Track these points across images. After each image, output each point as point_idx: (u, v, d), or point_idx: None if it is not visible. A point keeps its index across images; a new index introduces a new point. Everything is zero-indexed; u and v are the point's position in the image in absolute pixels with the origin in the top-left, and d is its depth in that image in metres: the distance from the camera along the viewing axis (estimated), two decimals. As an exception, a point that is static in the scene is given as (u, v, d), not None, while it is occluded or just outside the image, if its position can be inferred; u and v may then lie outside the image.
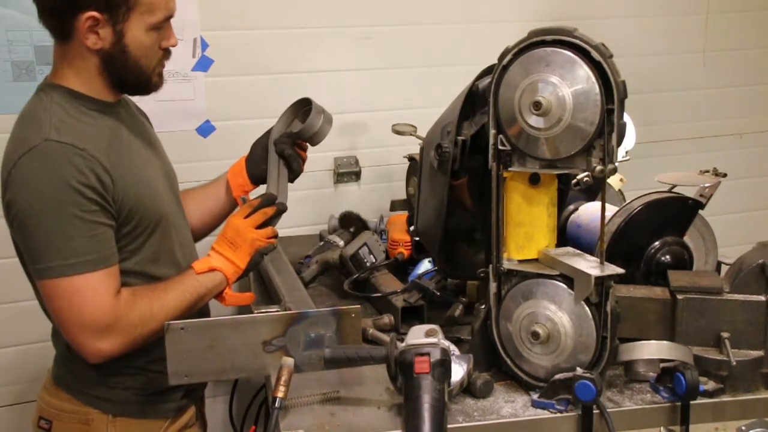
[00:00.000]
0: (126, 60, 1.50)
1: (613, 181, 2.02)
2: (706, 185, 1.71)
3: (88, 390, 1.56)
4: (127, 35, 1.49)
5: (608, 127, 1.31)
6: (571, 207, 1.80)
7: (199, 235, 1.87)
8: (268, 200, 1.67)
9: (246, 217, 1.63)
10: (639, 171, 2.10)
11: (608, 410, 1.34)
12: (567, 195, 1.54)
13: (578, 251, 1.44)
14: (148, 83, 1.57)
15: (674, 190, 1.71)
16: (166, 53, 1.58)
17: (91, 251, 1.42)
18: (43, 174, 1.41)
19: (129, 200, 1.49)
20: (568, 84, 1.31)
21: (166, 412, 1.63)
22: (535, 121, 1.34)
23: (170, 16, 1.54)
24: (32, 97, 1.54)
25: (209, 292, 1.58)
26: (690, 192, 1.70)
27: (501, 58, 1.37)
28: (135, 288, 1.50)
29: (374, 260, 1.95)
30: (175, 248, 1.63)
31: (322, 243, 2.15)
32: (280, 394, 1.33)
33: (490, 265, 1.45)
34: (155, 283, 1.54)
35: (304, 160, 1.81)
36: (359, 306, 1.45)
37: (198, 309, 1.57)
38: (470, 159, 1.53)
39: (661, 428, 1.38)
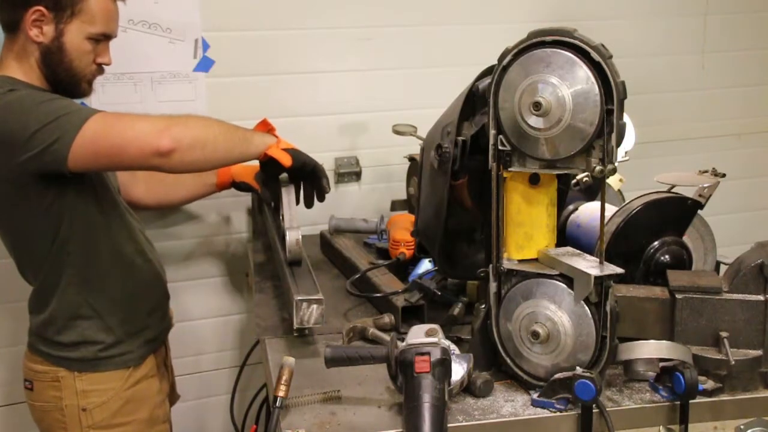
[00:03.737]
0: (61, 57, 1.71)
1: (613, 181, 2.03)
2: (705, 185, 1.71)
3: (54, 352, 1.77)
4: (66, 35, 1.71)
5: (608, 128, 1.31)
6: (571, 207, 1.81)
7: (164, 204, 2.27)
8: None
9: None
10: (638, 171, 2.11)
11: (608, 409, 1.34)
12: (567, 195, 1.54)
13: (578, 251, 1.45)
14: (78, 85, 1.77)
15: (673, 190, 1.71)
16: (100, 68, 1.80)
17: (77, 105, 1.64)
18: (14, 100, 1.60)
19: None
20: (567, 84, 1.32)
21: (126, 363, 1.82)
22: (534, 121, 1.34)
23: (109, 36, 1.78)
24: None
25: (258, 138, 1.80)
26: (689, 192, 1.70)
27: (501, 58, 1.38)
28: None
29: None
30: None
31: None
32: (281, 394, 1.34)
33: (490, 265, 1.45)
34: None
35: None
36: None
37: (243, 150, 1.76)
38: (470, 159, 1.54)
39: (660, 427, 1.39)
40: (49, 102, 1.61)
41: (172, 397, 2.09)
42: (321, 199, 1.89)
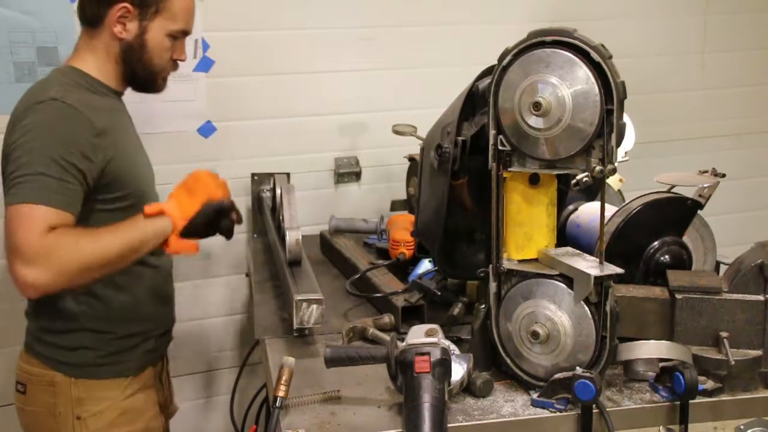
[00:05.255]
0: (142, 54, 1.72)
1: (613, 181, 2.03)
2: (705, 185, 1.71)
3: (51, 355, 1.73)
4: (149, 33, 1.71)
5: (607, 128, 1.31)
6: (571, 207, 1.81)
7: None
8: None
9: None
10: (638, 171, 2.11)
11: (607, 409, 1.34)
12: (566, 195, 1.54)
13: (578, 251, 1.45)
14: (154, 82, 1.78)
15: (673, 190, 1.71)
16: (175, 64, 1.81)
17: (51, 190, 1.53)
18: (45, 124, 1.56)
19: (113, 171, 1.64)
20: (567, 85, 1.32)
21: (125, 372, 1.78)
22: (534, 121, 1.34)
23: (187, 33, 1.79)
24: (50, 72, 1.74)
25: (153, 236, 1.63)
26: (689, 192, 1.70)
27: (501, 58, 1.38)
28: (74, 227, 1.56)
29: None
30: None
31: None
32: (281, 394, 1.34)
33: (490, 265, 1.45)
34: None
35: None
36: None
37: (142, 254, 1.63)
38: (470, 159, 1.54)
39: (660, 427, 1.39)
40: (42, 151, 1.54)
41: (171, 409, 2.06)
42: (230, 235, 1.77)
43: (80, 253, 1.52)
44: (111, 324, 1.75)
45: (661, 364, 1.42)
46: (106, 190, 1.65)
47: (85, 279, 1.57)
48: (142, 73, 1.74)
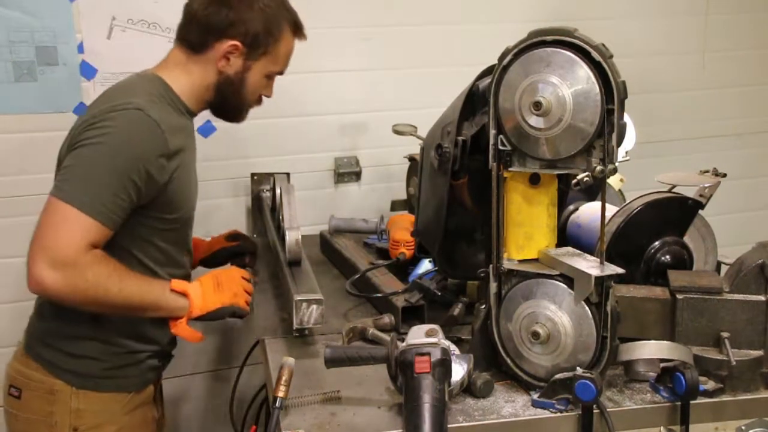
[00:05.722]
0: (239, 90, 1.75)
1: (613, 181, 2.03)
2: (706, 185, 1.71)
3: (55, 361, 1.67)
4: (251, 71, 1.74)
5: (608, 128, 1.31)
6: (571, 207, 1.81)
7: None
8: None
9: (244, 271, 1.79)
10: (639, 171, 2.11)
11: (608, 410, 1.34)
12: (567, 195, 1.54)
13: (578, 251, 1.45)
14: (240, 114, 1.82)
15: (674, 190, 1.71)
16: (260, 99, 1.83)
17: (104, 204, 1.53)
18: (124, 132, 1.56)
19: (172, 193, 1.64)
20: (568, 84, 1.31)
21: (128, 387, 1.73)
22: (535, 121, 1.34)
23: (281, 73, 1.82)
24: (134, 75, 1.75)
25: (166, 310, 1.64)
26: (690, 192, 1.70)
27: (501, 58, 1.37)
28: (111, 258, 1.57)
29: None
30: (183, 250, 1.79)
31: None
32: (280, 394, 1.34)
33: (491, 265, 1.45)
34: (135, 271, 1.63)
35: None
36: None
37: (145, 315, 1.64)
38: (470, 159, 1.53)
39: (661, 428, 1.39)
40: (110, 160, 1.55)
41: (161, 424, 1.99)
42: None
43: (104, 288, 1.53)
44: (122, 337, 1.70)
45: (662, 365, 1.42)
46: (159, 208, 1.64)
47: (88, 307, 1.57)
48: (233, 105, 1.77)
